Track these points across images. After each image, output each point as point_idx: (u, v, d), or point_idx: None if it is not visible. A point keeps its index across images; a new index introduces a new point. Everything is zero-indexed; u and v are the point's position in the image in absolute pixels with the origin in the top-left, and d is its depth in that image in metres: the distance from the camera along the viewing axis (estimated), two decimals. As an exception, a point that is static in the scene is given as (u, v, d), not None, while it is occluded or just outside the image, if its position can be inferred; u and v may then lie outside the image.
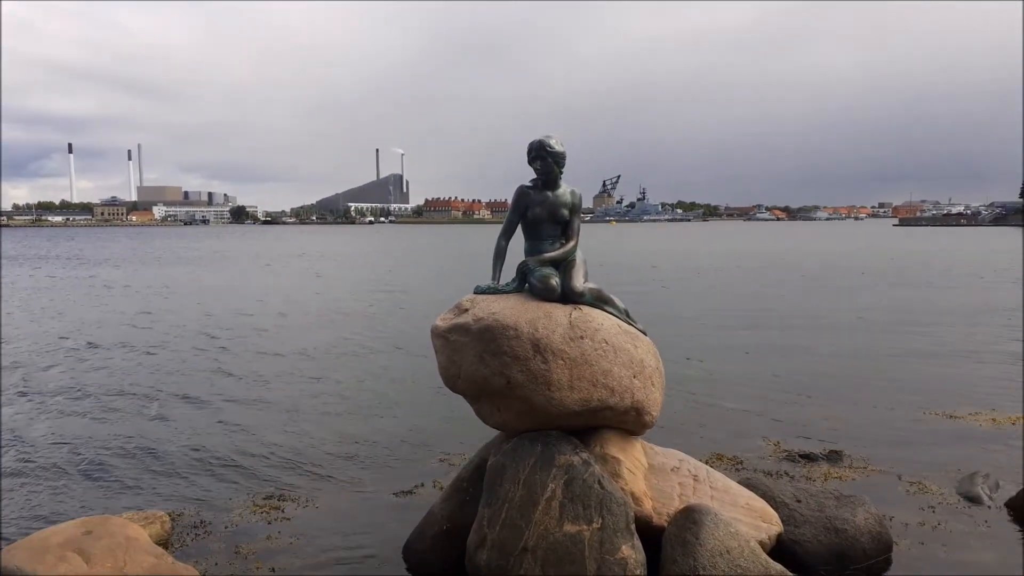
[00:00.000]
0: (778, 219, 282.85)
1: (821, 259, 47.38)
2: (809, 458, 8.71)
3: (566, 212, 6.16)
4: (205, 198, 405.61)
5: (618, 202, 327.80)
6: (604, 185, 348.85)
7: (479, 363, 5.72)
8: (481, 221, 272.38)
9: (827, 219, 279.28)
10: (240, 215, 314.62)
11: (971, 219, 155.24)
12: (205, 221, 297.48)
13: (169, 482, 8.42)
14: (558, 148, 6.00)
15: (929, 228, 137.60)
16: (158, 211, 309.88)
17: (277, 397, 12.13)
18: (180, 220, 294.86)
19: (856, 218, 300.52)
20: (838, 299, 24.86)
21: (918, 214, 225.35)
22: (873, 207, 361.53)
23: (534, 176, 6.17)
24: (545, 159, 5.99)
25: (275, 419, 10.79)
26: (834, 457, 8.72)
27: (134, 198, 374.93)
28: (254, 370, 14.30)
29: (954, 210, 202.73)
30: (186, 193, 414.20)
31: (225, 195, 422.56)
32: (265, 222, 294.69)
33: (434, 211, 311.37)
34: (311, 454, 9.27)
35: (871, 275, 34.61)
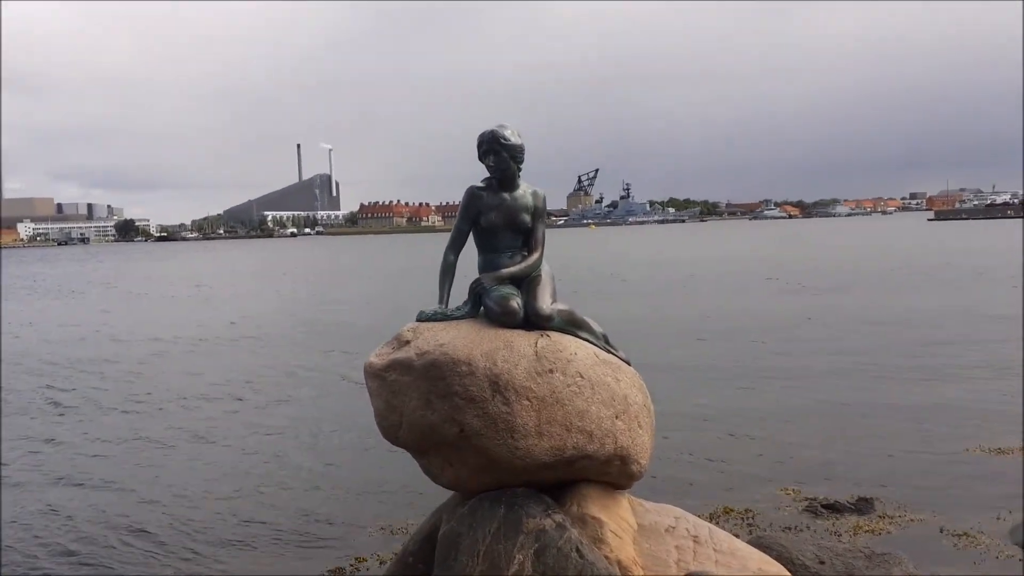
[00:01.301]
0: (790, 216, 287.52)
1: (842, 260, 48.22)
2: (834, 508, 8.80)
3: (527, 217, 6.16)
4: (84, 211, 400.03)
5: (597, 202, 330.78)
6: (580, 182, 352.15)
7: (425, 408, 5.67)
8: (430, 229, 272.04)
9: (849, 214, 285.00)
10: (128, 231, 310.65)
11: (1019, 209, 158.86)
12: (84, 240, 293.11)
13: None
14: (514, 140, 6.01)
15: (970, 222, 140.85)
16: (24, 229, 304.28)
17: (148, 460, 11.93)
18: (53, 239, 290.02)
19: (884, 212, 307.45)
20: (860, 311, 25.28)
21: (957, 205, 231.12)
22: (903, 199, 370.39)
23: (487, 175, 6.17)
24: (499, 153, 5.98)
25: (158, 491, 10.52)
26: (864, 506, 8.83)
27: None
28: (120, 426, 14.07)
29: (999, 199, 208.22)
30: (59, 206, 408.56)
31: (109, 207, 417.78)
32: (160, 238, 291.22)
33: (372, 218, 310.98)
34: (214, 528, 9.10)
35: (908, 275, 35.31)
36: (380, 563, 7.95)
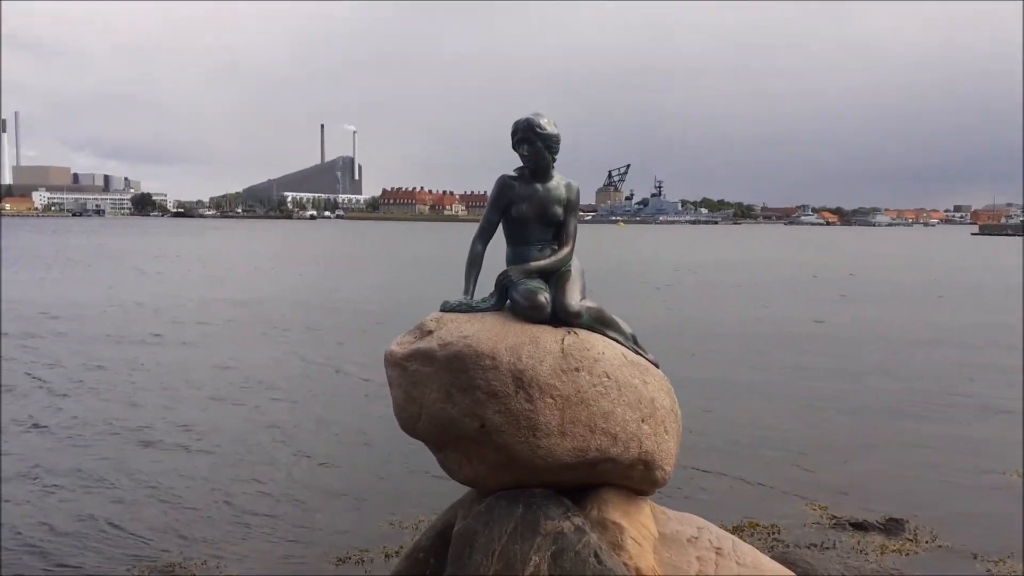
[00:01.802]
0: (828, 223, 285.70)
1: (881, 271, 47.86)
2: (862, 527, 8.77)
3: (559, 210, 6.17)
4: (100, 183, 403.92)
5: (627, 198, 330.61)
6: (610, 176, 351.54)
7: (445, 401, 5.69)
8: (453, 218, 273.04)
9: (889, 224, 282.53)
10: (144, 205, 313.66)
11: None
12: (100, 212, 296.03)
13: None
14: (551, 129, 6.01)
15: (1017, 238, 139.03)
16: (39, 197, 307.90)
17: (163, 437, 12.03)
18: (68, 210, 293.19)
19: (926, 224, 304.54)
20: (897, 323, 25.09)
21: (1003, 220, 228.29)
22: (947, 211, 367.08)
23: (519, 164, 6.19)
24: (534, 143, 5.99)
25: (157, 480, 10.51)
26: (893, 526, 8.79)
27: (8, 181, 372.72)
28: (153, 400, 14.21)
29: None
30: (76, 176, 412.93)
31: (126, 179, 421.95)
32: (177, 214, 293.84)
33: (394, 204, 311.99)
34: (221, 514, 9.20)
35: (945, 290, 34.97)
36: (386, 557, 8.03)
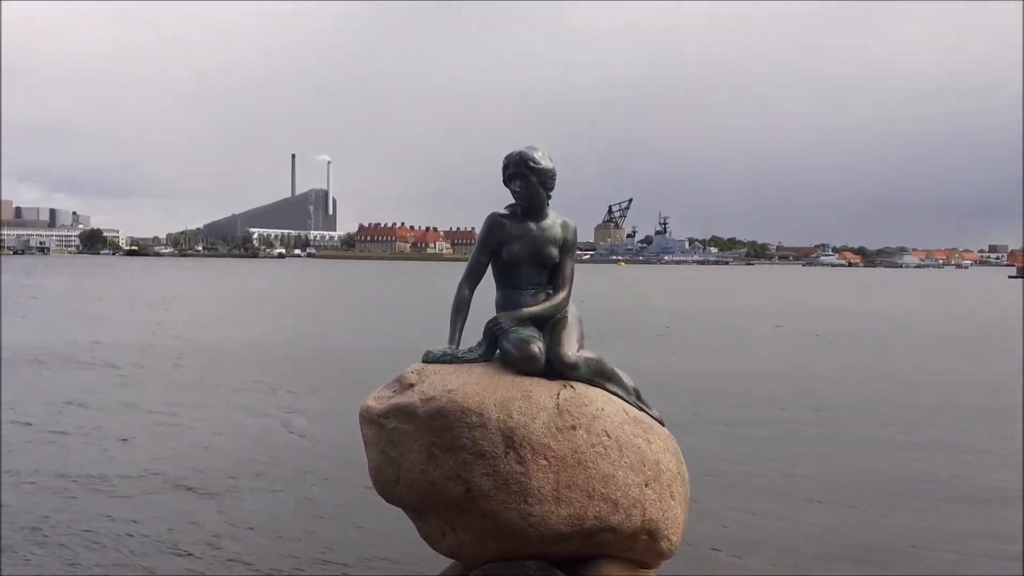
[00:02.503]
0: (850, 264, 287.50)
1: (921, 317, 47.91)
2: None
3: (555, 251, 6.23)
4: (46, 217, 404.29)
5: (629, 236, 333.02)
6: (610, 212, 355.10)
7: (427, 462, 5.69)
8: (437, 257, 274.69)
9: (918, 265, 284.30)
10: (94, 242, 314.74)
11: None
12: (44, 249, 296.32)
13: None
14: (545, 163, 6.08)
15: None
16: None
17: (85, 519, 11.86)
18: (9, 247, 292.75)
19: (958, 265, 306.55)
20: (952, 366, 25.04)
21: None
22: (981, 251, 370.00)
23: (511, 201, 6.26)
24: (527, 178, 6.05)
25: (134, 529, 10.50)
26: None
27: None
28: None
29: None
30: (18, 210, 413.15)
31: (74, 214, 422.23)
32: (130, 252, 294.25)
33: (371, 241, 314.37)
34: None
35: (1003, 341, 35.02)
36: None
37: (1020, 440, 15.37)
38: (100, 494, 11.71)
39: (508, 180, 6.16)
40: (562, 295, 6.21)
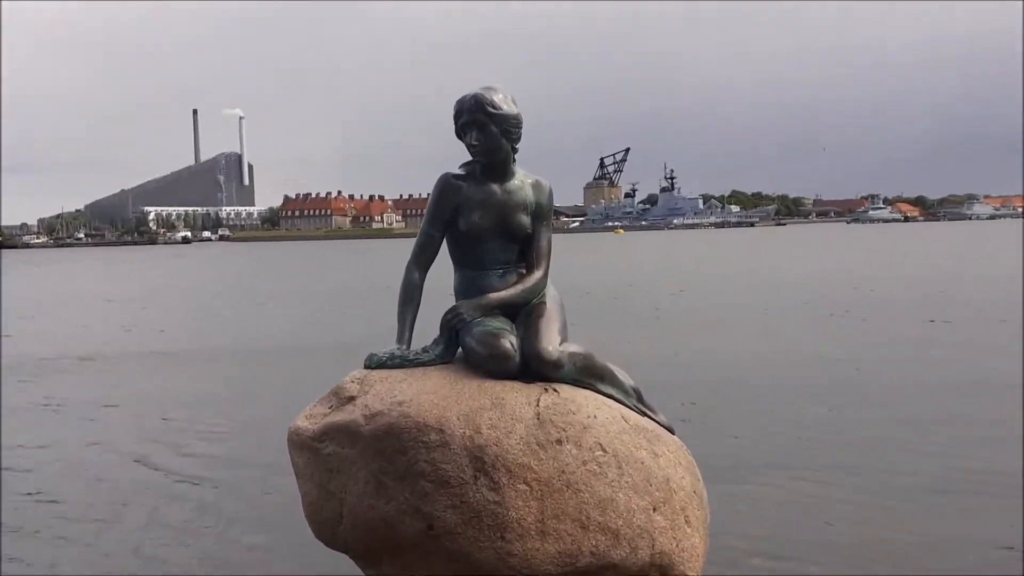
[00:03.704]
0: (907, 218, 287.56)
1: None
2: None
3: (526, 219, 6.22)
4: None
5: (628, 195, 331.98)
6: (602, 166, 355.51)
7: (376, 494, 5.65)
8: (385, 232, 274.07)
9: (991, 216, 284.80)
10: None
11: None
12: None
13: None
14: (507, 108, 6.01)
15: None
16: None
17: None
18: None
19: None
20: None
21: None
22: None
23: (468, 159, 6.20)
24: (485, 127, 5.98)
25: None
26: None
27: None
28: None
29: None
30: None
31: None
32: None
33: (301, 217, 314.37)
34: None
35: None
36: None
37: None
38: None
39: (462, 131, 6.13)
40: (537, 275, 6.24)
